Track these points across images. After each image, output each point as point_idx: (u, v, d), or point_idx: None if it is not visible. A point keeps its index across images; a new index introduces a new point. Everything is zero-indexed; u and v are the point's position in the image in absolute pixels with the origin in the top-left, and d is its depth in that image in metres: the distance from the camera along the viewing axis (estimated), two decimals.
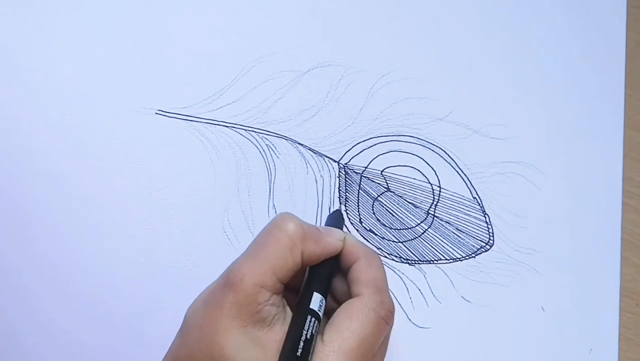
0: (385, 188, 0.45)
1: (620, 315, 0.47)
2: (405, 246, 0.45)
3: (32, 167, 0.40)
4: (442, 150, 0.46)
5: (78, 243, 0.40)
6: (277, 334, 0.32)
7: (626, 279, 0.48)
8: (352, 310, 0.33)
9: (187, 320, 0.33)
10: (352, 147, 0.45)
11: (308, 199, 0.43)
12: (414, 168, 0.45)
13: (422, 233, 0.45)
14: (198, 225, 0.41)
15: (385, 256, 0.44)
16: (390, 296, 0.35)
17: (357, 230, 0.44)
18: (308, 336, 0.32)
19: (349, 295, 0.35)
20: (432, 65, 0.47)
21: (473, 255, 0.45)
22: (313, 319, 0.33)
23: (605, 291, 0.47)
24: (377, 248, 0.44)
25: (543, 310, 0.46)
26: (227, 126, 0.43)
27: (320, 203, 0.44)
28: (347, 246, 0.36)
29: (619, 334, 0.47)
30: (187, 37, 0.43)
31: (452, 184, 0.46)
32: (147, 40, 0.42)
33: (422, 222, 0.45)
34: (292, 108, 0.44)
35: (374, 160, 0.45)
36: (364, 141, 0.45)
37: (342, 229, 0.39)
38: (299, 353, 0.31)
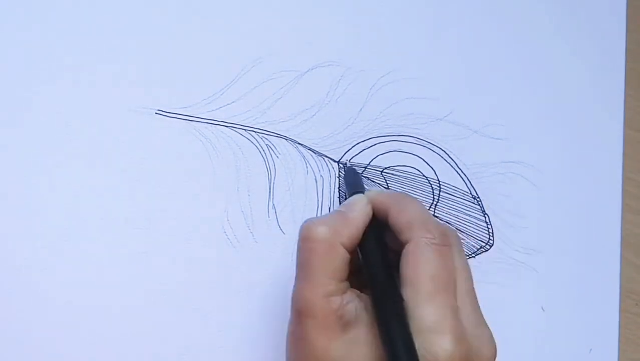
0: (385, 188, 0.45)
1: (620, 315, 0.47)
2: None
3: (31, 166, 0.40)
4: (442, 150, 0.46)
5: (77, 241, 0.40)
6: (366, 325, 0.33)
7: (626, 279, 0.48)
8: (409, 258, 0.33)
9: None
10: (352, 147, 0.45)
11: (308, 199, 0.43)
12: (414, 168, 0.45)
13: None
14: (198, 225, 0.41)
15: None
16: (434, 220, 0.35)
17: None
18: (397, 311, 0.32)
19: (401, 242, 0.35)
20: (432, 65, 0.47)
21: (473, 255, 0.45)
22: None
23: (605, 291, 0.47)
24: None
25: (543, 310, 0.46)
26: (227, 126, 0.43)
27: (320, 203, 0.43)
28: (374, 205, 0.36)
29: (619, 334, 0.47)
30: (187, 37, 0.43)
31: (452, 184, 0.46)
32: (146, 40, 0.42)
33: None
34: (292, 108, 0.44)
35: (374, 160, 0.45)
36: (364, 141, 0.45)
37: (362, 184, 0.39)
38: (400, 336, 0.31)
